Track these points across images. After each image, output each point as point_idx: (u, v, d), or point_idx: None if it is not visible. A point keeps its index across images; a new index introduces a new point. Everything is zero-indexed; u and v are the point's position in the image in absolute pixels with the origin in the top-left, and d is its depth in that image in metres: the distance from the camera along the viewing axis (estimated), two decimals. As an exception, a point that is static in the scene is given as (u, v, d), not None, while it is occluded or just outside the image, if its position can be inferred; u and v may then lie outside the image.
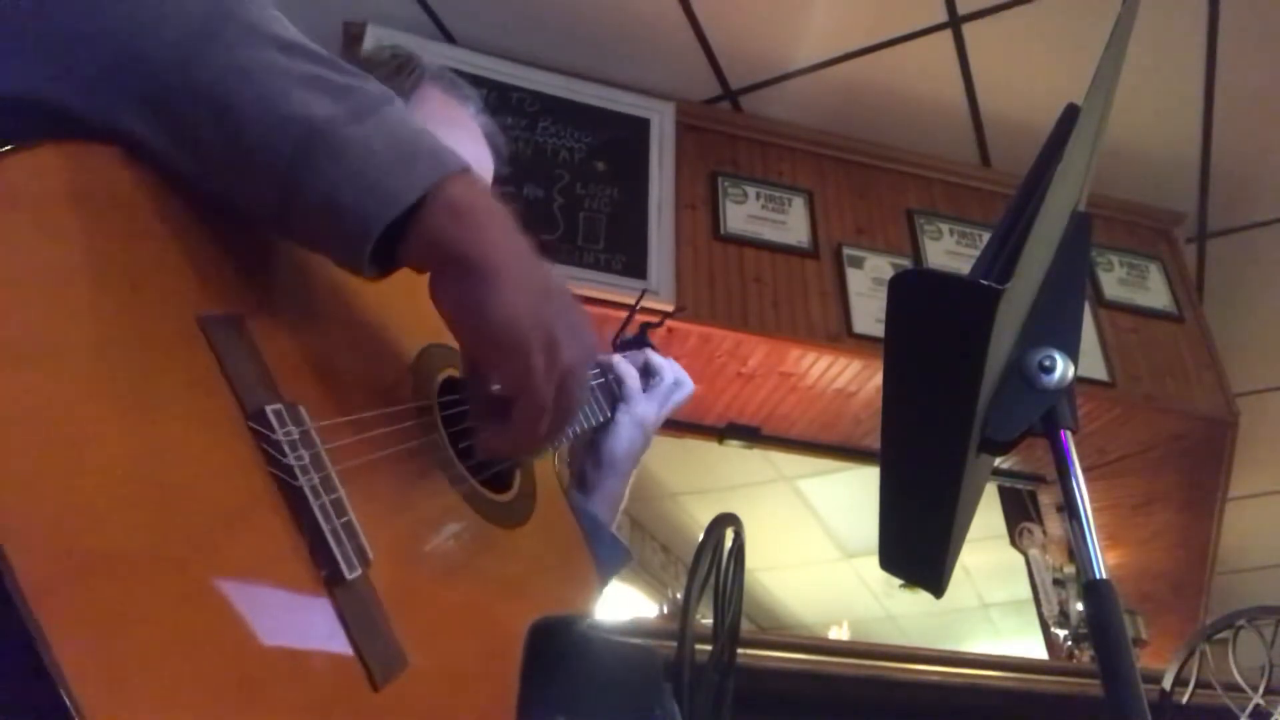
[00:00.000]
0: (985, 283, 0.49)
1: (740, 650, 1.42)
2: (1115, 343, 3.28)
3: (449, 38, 3.02)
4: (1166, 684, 1.96)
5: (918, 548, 0.64)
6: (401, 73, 0.95)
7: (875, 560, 0.64)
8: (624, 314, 1.17)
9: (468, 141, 0.97)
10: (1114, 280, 3.45)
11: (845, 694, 2.05)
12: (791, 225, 3.16)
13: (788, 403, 3.23)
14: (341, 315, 0.62)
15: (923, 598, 4.35)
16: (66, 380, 0.41)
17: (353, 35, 2.87)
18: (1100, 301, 3.36)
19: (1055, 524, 3.58)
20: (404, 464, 0.62)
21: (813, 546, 5.16)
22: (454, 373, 0.73)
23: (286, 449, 0.50)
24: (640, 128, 3.12)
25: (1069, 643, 3.18)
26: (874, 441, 3.31)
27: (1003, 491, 3.69)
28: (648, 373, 1.07)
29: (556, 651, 0.69)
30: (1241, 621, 1.96)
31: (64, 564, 0.37)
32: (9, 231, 0.42)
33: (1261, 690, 1.94)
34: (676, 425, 3.24)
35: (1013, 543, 3.59)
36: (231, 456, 0.48)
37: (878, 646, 2.20)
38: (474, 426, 0.66)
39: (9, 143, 0.44)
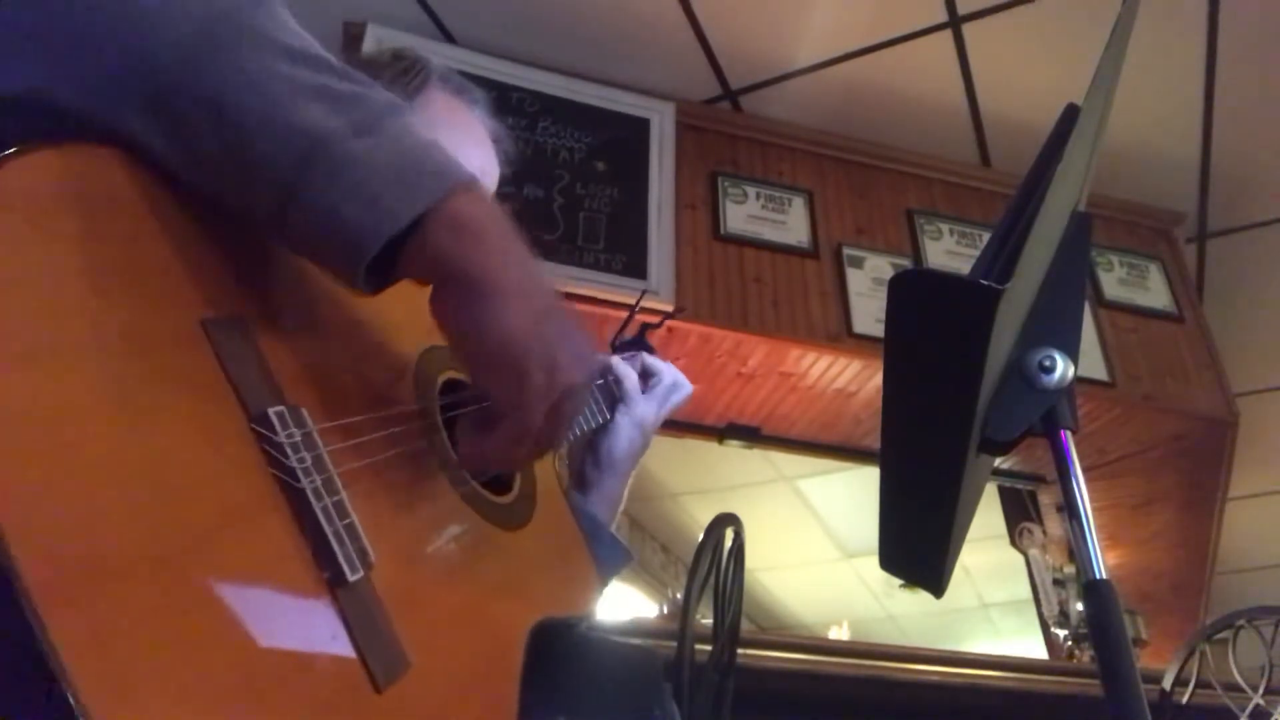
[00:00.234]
0: (985, 283, 0.49)
1: (740, 650, 1.42)
2: (1115, 343, 3.29)
3: (449, 38, 3.02)
4: (1166, 684, 1.96)
5: (918, 548, 0.64)
6: (407, 75, 0.94)
7: (875, 560, 0.64)
8: (624, 314, 1.17)
9: (472, 146, 0.96)
10: (1114, 280, 3.45)
11: (845, 694, 2.05)
12: (791, 225, 3.16)
13: (788, 403, 3.23)
14: (343, 318, 0.62)
15: (923, 598, 4.35)
16: (70, 382, 0.41)
17: (353, 35, 2.87)
18: (1100, 301, 3.36)
19: (1055, 524, 3.58)
20: (406, 466, 0.62)
21: (813, 546, 5.16)
22: (455, 374, 0.73)
23: (289, 451, 0.50)
24: (640, 128, 3.12)
25: (1069, 643, 3.18)
26: (874, 441, 3.31)
27: (1003, 491, 3.69)
28: (645, 374, 1.07)
29: (557, 652, 0.69)
30: (1241, 621, 1.96)
31: (69, 567, 0.37)
32: (11, 234, 0.42)
33: (1261, 690, 1.94)
34: (676, 425, 3.24)
35: (1013, 543, 3.59)
36: (234, 458, 0.48)
37: (878, 646, 2.20)
38: (461, 433, 0.66)
39: (11, 144, 0.44)
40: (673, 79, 3.16)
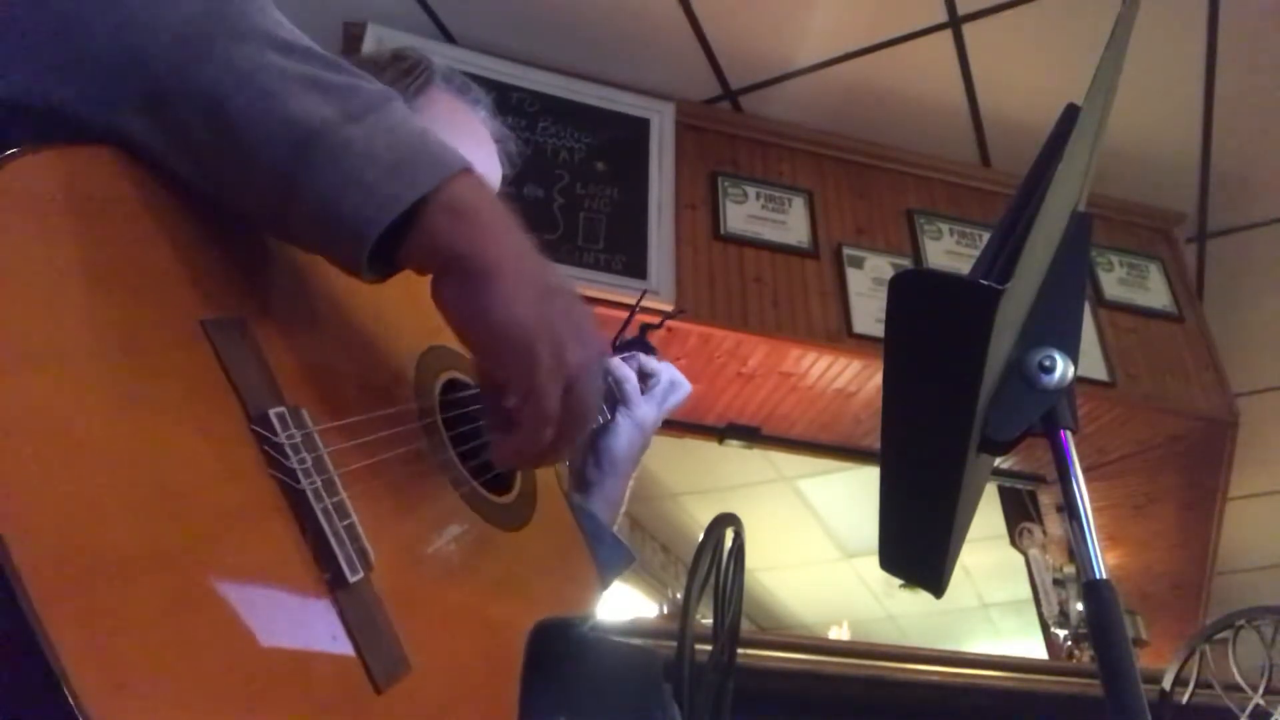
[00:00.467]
0: (985, 283, 0.49)
1: (740, 650, 1.42)
2: (1115, 343, 3.29)
3: (449, 38, 3.02)
4: (1166, 684, 1.96)
5: (918, 548, 0.64)
6: (409, 75, 0.94)
7: (875, 560, 0.64)
8: (624, 314, 1.16)
9: (475, 148, 0.95)
10: (1114, 280, 3.45)
11: (845, 694, 2.05)
12: (791, 225, 3.16)
13: (788, 403, 3.23)
14: (343, 318, 0.62)
15: (923, 598, 4.35)
16: (70, 383, 0.41)
17: (353, 35, 2.87)
18: (1100, 301, 3.36)
19: (1055, 524, 3.58)
20: (406, 467, 0.62)
21: (813, 546, 5.16)
22: (456, 374, 0.73)
23: (289, 452, 0.50)
24: (640, 128, 3.12)
25: (1069, 643, 3.18)
26: (874, 441, 3.31)
27: (1003, 491, 3.69)
28: (643, 375, 1.07)
29: (557, 653, 0.69)
30: (1241, 621, 1.96)
31: (69, 567, 0.37)
32: (11, 235, 0.42)
33: (1261, 690, 1.94)
34: (676, 425, 3.24)
35: (1013, 543, 3.59)
36: (234, 459, 0.48)
37: (878, 646, 2.20)
38: (489, 437, 0.65)
39: (9, 146, 0.44)
40: (673, 79, 3.16)
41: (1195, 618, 3.98)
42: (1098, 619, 0.56)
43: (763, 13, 2.93)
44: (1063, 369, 0.59)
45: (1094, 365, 3.17)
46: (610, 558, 0.92)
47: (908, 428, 0.57)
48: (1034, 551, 3.48)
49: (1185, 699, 1.94)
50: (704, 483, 4.63)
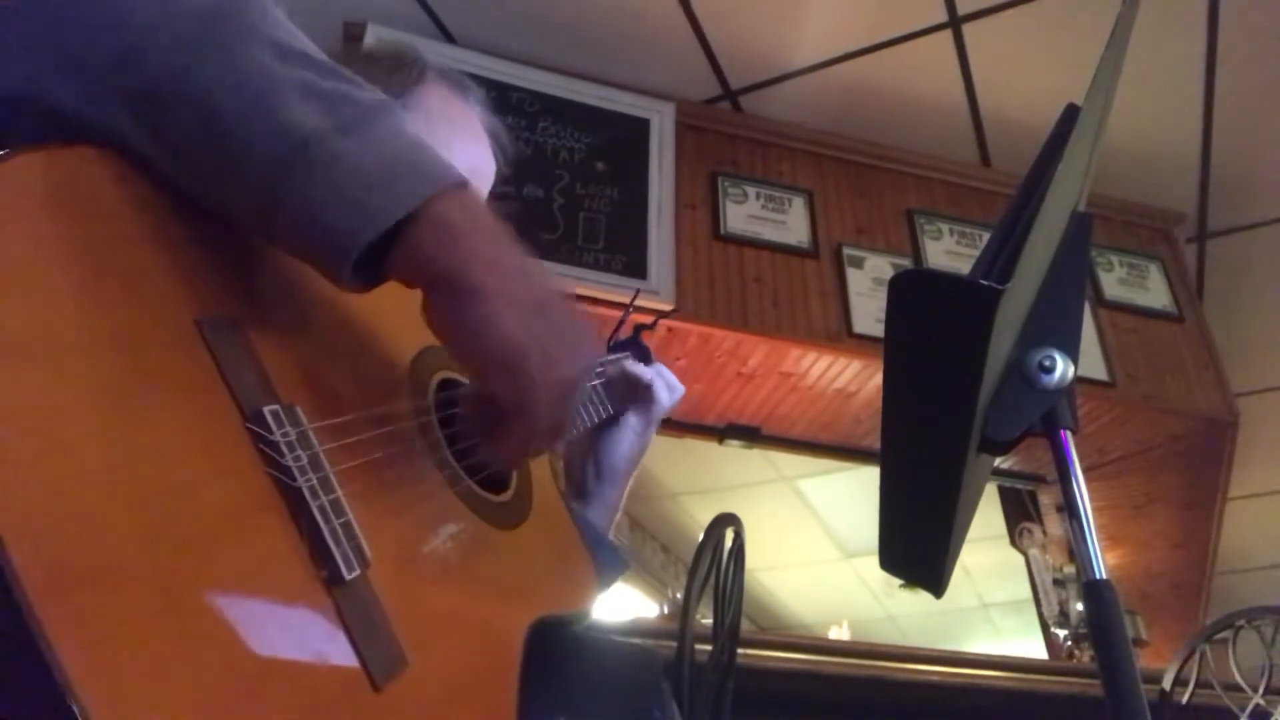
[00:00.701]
0: (985, 283, 0.49)
1: (740, 650, 1.42)
2: (1115, 343, 3.29)
3: (449, 38, 3.02)
4: (1166, 684, 1.96)
5: (918, 548, 0.64)
6: (402, 69, 0.93)
7: (875, 560, 0.64)
8: (622, 314, 1.16)
9: (470, 143, 0.95)
10: (1114, 280, 3.45)
11: (845, 694, 2.05)
12: (791, 225, 3.16)
13: (788, 403, 3.23)
14: (338, 318, 0.62)
15: (923, 598, 4.35)
16: (64, 383, 0.41)
17: (353, 35, 2.87)
18: (1100, 301, 3.37)
19: (1055, 524, 3.58)
20: (401, 465, 0.62)
21: (813, 546, 5.16)
22: (449, 373, 0.73)
23: (284, 449, 0.50)
24: (640, 128, 3.12)
25: (1069, 643, 3.18)
26: (874, 441, 3.31)
27: (1003, 491, 3.69)
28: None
29: (557, 652, 0.69)
30: (1241, 621, 1.96)
31: (66, 565, 0.37)
32: (4, 235, 0.42)
33: (1261, 690, 1.94)
34: (676, 425, 3.24)
35: (1013, 543, 3.59)
36: (230, 457, 0.48)
37: (878, 646, 2.20)
38: (474, 438, 0.66)
39: (4, 144, 0.44)
40: (673, 79, 3.16)
41: (1195, 618, 3.98)
42: (1098, 619, 0.56)
43: (763, 13, 2.93)
44: (1063, 369, 0.59)
45: (1094, 365, 3.17)
46: (607, 566, 0.92)
47: (908, 428, 0.57)
48: (1034, 551, 3.48)
49: (1185, 699, 1.94)
50: (704, 483, 4.63)
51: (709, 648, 1.32)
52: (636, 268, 2.85)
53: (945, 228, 3.35)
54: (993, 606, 5.41)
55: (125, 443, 0.42)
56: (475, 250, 0.55)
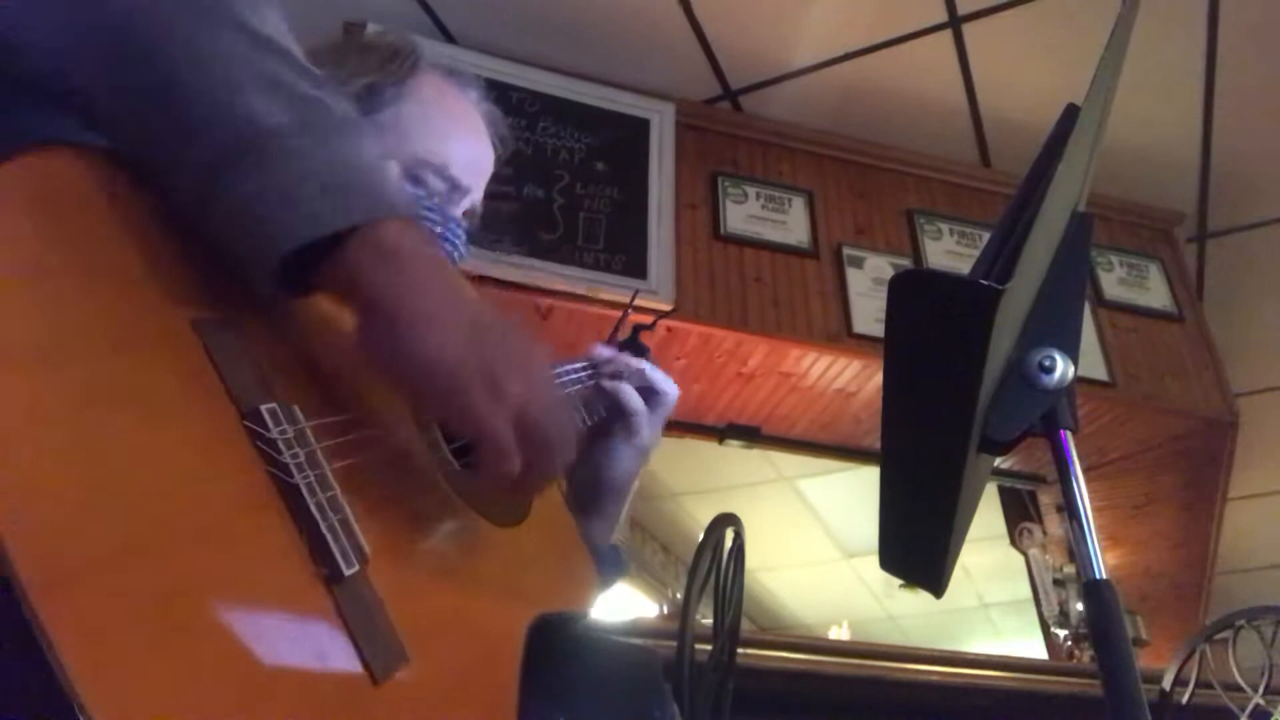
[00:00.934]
0: (985, 283, 0.49)
1: (740, 650, 1.42)
2: (1115, 343, 3.29)
3: (449, 37, 3.02)
4: (1166, 684, 1.96)
5: (918, 548, 0.64)
6: (398, 58, 0.92)
7: (875, 560, 0.64)
8: (621, 314, 1.15)
9: (467, 133, 0.94)
10: (1114, 280, 3.45)
11: (845, 694, 2.05)
12: (791, 225, 3.16)
13: (788, 403, 3.23)
14: (334, 317, 0.62)
15: (923, 598, 4.36)
16: (63, 382, 0.41)
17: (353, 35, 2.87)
18: (1100, 301, 3.37)
19: (1055, 524, 3.58)
20: (399, 462, 0.62)
21: (813, 546, 5.17)
22: None
23: (282, 447, 0.50)
24: (640, 128, 3.12)
25: (1069, 643, 3.18)
26: (874, 441, 3.31)
27: (1003, 491, 3.69)
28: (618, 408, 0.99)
29: (556, 651, 0.69)
30: (1241, 621, 1.96)
31: (65, 562, 0.37)
32: (1, 235, 0.42)
33: (1261, 690, 1.94)
34: (676, 425, 3.24)
35: (1013, 543, 3.59)
36: (227, 455, 0.48)
37: (878, 646, 2.20)
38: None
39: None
40: (673, 79, 3.16)
41: (1195, 618, 3.98)
42: (1098, 619, 0.56)
43: (763, 13, 2.94)
44: (1063, 369, 0.59)
45: (1094, 365, 3.17)
46: (608, 564, 0.92)
47: (908, 428, 0.57)
48: (1034, 551, 3.48)
49: (1185, 699, 1.94)
50: (704, 483, 4.63)
51: (709, 648, 1.32)
52: (636, 268, 2.85)
53: (945, 228, 3.35)
54: (993, 606, 5.42)
55: (123, 441, 0.42)
56: (412, 275, 0.54)
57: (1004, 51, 3.04)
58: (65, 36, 0.49)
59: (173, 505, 0.43)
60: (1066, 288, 0.64)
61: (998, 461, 2.92)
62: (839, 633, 4.71)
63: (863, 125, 3.34)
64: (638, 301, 1.22)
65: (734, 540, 1.38)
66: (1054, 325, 0.61)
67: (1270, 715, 1.94)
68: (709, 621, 1.37)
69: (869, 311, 3.03)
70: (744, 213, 3.13)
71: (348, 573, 0.50)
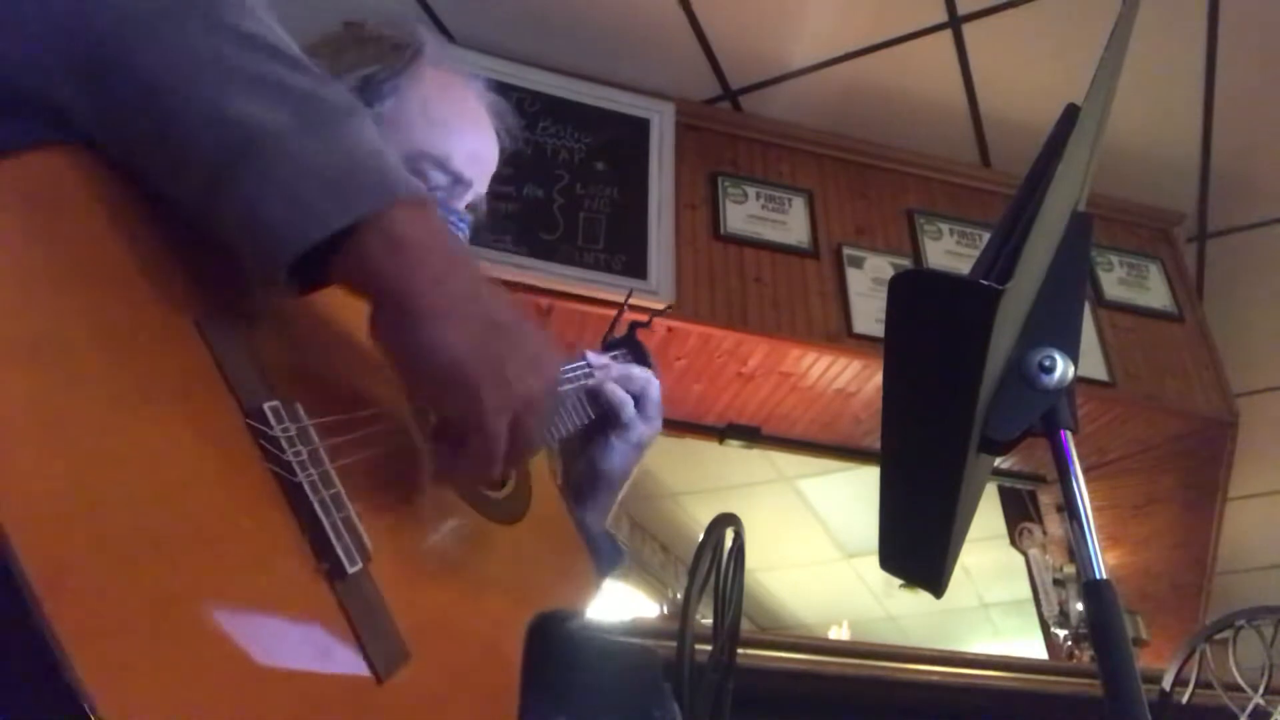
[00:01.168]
0: (985, 283, 0.49)
1: (740, 650, 1.42)
2: (1115, 343, 3.28)
3: (449, 38, 3.02)
4: (1166, 684, 1.96)
5: (918, 548, 0.64)
6: (399, 48, 0.91)
7: (875, 560, 0.64)
8: (623, 315, 1.15)
9: (468, 125, 0.93)
10: (1114, 280, 3.45)
11: (845, 694, 2.05)
12: (791, 225, 3.16)
13: (788, 403, 3.23)
14: (337, 315, 0.62)
15: (923, 598, 4.35)
16: (67, 380, 0.41)
17: (353, 35, 2.87)
18: (1100, 301, 3.36)
19: (1055, 524, 3.58)
20: (400, 459, 0.62)
21: (813, 546, 5.16)
22: None
23: (284, 445, 0.50)
24: (640, 128, 3.12)
25: (1069, 643, 3.18)
26: (874, 441, 3.31)
27: (1003, 491, 3.69)
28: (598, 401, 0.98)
29: (557, 651, 0.69)
30: (1241, 621, 1.96)
31: (69, 559, 0.37)
32: (3, 233, 0.42)
33: (1261, 690, 1.94)
34: (676, 425, 3.24)
35: (1013, 543, 3.59)
36: (230, 453, 0.48)
37: (878, 646, 2.20)
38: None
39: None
40: (673, 79, 3.16)
41: (1195, 618, 3.98)
42: (1098, 619, 0.56)
43: (763, 12, 2.93)
44: (1063, 369, 0.59)
45: (1094, 365, 3.17)
46: (606, 555, 0.92)
47: (908, 428, 0.57)
48: (1034, 551, 3.48)
49: (1185, 699, 1.94)
50: (704, 483, 4.63)
51: (709, 648, 1.32)
52: (636, 268, 2.85)
53: (945, 228, 3.35)
54: (993, 606, 5.41)
55: (127, 438, 0.43)
56: (427, 267, 0.53)
57: (1004, 51, 3.04)
58: (40, 48, 0.48)
59: (175, 503, 0.43)
60: (1066, 288, 0.64)
61: (998, 461, 2.92)
62: (839, 633, 4.71)
63: (863, 125, 3.34)
64: (633, 301, 1.21)
65: (734, 540, 1.38)
66: (1054, 325, 0.61)
67: (1270, 715, 1.94)
68: (709, 621, 1.37)
69: (869, 311, 3.03)
70: (744, 213, 3.13)
71: (351, 570, 0.50)
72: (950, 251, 3.30)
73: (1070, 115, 0.64)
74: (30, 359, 0.40)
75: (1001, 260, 0.56)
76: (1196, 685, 1.94)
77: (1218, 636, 1.99)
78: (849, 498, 4.63)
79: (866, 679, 2.02)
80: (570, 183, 2.94)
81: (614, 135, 3.07)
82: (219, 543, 0.44)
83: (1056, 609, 3.28)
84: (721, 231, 3.06)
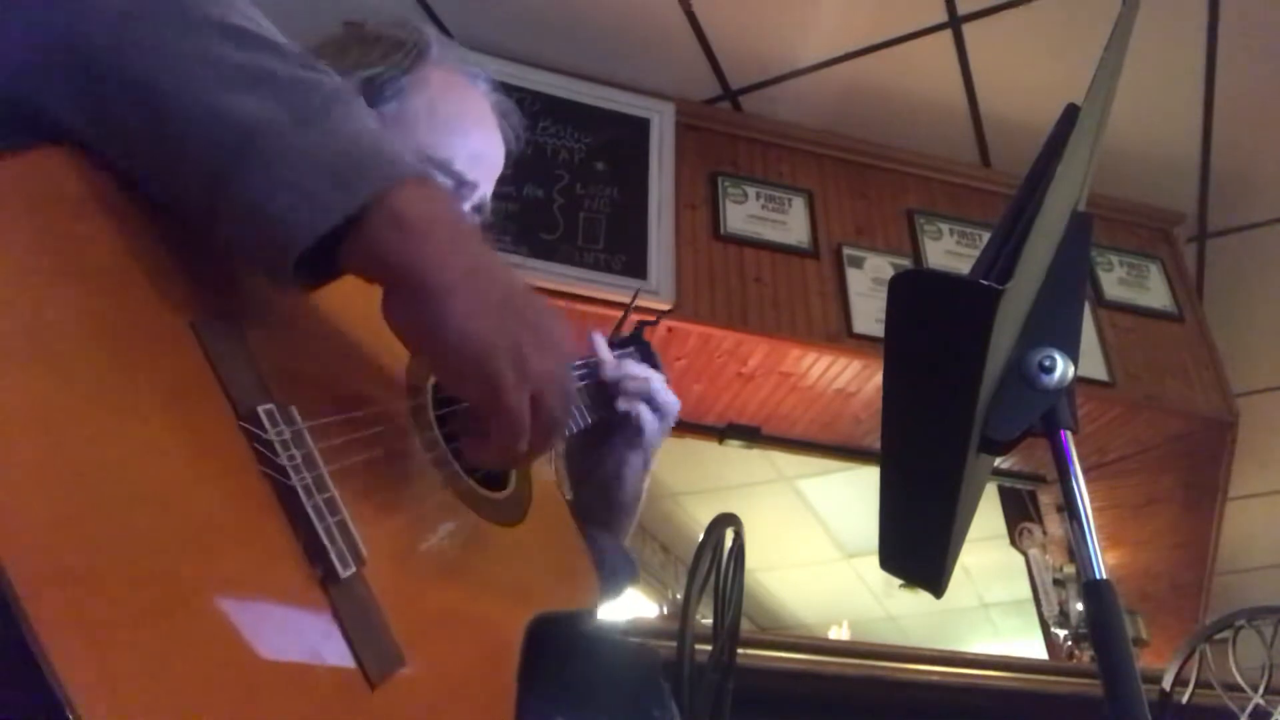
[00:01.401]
0: (985, 283, 0.49)
1: (740, 650, 1.42)
2: (1115, 343, 3.28)
3: (449, 38, 3.02)
4: (1166, 684, 1.96)
5: (918, 548, 0.64)
6: (402, 48, 0.90)
7: (875, 560, 0.63)
8: (621, 315, 1.15)
9: (473, 125, 0.92)
10: (1114, 280, 3.45)
11: (845, 694, 2.05)
12: (791, 225, 3.16)
13: (788, 403, 3.23)
14: (334, 318, 0.62)
15: (923, 598, 4.35)
16: (59, 382, 0.41)
17: (352, 35, 2.87)
18: (1100, 301, 3.36)
19: (1055, 524, 3.58)
20: (397, 463, 0.62)
21: (813, 546, 5.16)
22: None
23: (279, 448, 0.50)
24: (640, 128, 3.12)
25: (1069, 643, 3.18)
26: (874, 441, 3.31)
27: (1003, 491, 3.69)
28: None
29: (555, 651, 0.69)
30: (1241, 621, 1.96)
31: (57, 566, 0.37)
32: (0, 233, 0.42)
33: (1261, 690, 1.94)
34: (677, 425, 3.22)
35: (1013, 543, 3.59)
36: (224, 457, 0.48)
37: (878, 646, 2.20)
38: (459, 437, 0.64)
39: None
40: (673, 79, 3.16)
41: (1195, 618, 3.98)
42: (1098, 619, 0.56)
43: (763, 13, 2.93)
44: (1063, 369, 0.59)
45: (1094, 365, 3.17)
46: (620, 569, 0.92)
47: (908, 428, 0.57)
48: (1034, 551, 3.48)
49: (1185, 699, 1.93)
50: (704, 483, 4.63)
51: (709, 648, 1.32)
52: (636, 268, 2.85)
53: (945, 228, 3.35)
54: (993, 606, 5.41)
55: (119, 442, 0.42)
56: (436, 246, 0.53)
57: (1004, 51, 3.04)
58: (25, 54, 0.47)
59: (168, 506, 0.43)
60: (1066, 288, 0.64)
61: (998, 461, 2.92)
62: (839, 633, 4.71)
63: (863, 125, 3.34)
64: (638, 302, 1.21)
65: (734, 540, 1.38)
66: (1054, 325, 0.61)
67: (1270, 715, 1.94)
68: (709, 621, 1.37)
69: (869, 311, 3.03)
70: (744, 213, 3.13)
71: (344, 574, 0.50)
72: (950, 251, 3.30)
73: (1070, 115, 0.64)
74: (22, 359, 0.40)
75: (1001, 260, 0.56)
76: (1196, 685, 1.94)
77: (1218, 636, 1.99)
78: (849, 498, 4.63)
79: (866, 679, 2.02)
80: (570, 183, 2.94)
81: (614, 135, 3.07)
82: (210, 547, 0.44)
83: (1056, 609, 3.28)
84: (721, 231, 3.06)
